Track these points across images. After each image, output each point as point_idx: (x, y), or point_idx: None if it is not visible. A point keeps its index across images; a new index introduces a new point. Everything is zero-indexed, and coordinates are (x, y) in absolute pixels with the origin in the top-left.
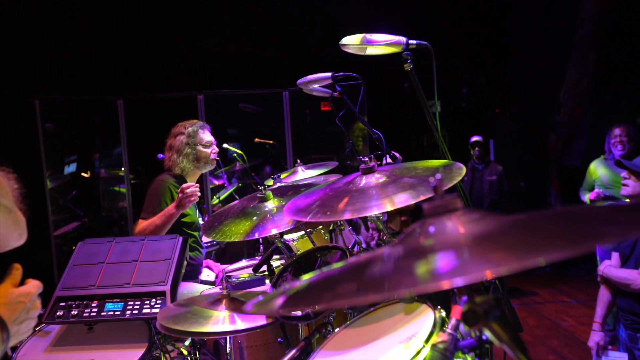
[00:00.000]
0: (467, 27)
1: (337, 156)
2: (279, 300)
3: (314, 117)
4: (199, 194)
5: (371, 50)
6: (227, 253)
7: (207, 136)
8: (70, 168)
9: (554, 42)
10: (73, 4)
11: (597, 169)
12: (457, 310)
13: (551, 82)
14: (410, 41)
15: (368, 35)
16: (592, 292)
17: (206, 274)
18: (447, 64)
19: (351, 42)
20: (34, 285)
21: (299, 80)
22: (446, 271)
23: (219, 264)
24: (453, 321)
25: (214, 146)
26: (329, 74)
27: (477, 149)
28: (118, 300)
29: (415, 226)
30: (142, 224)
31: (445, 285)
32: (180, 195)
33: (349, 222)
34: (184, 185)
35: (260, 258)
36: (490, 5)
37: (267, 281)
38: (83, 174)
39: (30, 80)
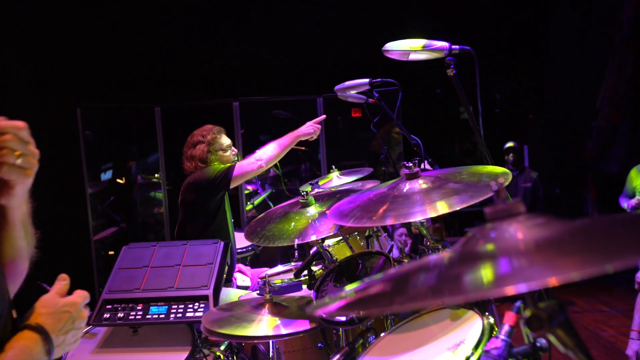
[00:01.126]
0: (500, 31)
1: (367, 162)
2: (343, 302)
3: (345, 124)
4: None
5: (414, 56)
6: (260, 258)
7: (225, 140)
8: (107, 174)
9: (590, 46)
10: (113, 14)
11: (639, 176)
12: (511, 316)
13: (587, 87)
14: (453, 46)
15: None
16: (632, 301)
17: (241, 279)
18: (479, 70)
19: (399, 47)
20: (80, 295)
21: (337, 86)
22: (517, 276)
23: (249, 267)
24: (506, 327)
25: (233, 147)
26: (366, 80)
27: (511, 155)
28: (162, 303)
29: (476, 230)
30: (252, 157)
31: (510, 291)
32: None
33: (384, 228)
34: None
35: (297, 264)
36: (525, 9)
37: (304, 287)
38: (118, 180)
39: (72, 89)
